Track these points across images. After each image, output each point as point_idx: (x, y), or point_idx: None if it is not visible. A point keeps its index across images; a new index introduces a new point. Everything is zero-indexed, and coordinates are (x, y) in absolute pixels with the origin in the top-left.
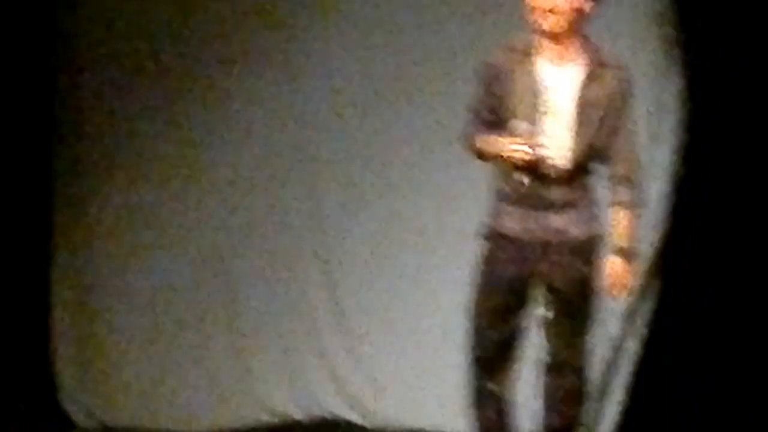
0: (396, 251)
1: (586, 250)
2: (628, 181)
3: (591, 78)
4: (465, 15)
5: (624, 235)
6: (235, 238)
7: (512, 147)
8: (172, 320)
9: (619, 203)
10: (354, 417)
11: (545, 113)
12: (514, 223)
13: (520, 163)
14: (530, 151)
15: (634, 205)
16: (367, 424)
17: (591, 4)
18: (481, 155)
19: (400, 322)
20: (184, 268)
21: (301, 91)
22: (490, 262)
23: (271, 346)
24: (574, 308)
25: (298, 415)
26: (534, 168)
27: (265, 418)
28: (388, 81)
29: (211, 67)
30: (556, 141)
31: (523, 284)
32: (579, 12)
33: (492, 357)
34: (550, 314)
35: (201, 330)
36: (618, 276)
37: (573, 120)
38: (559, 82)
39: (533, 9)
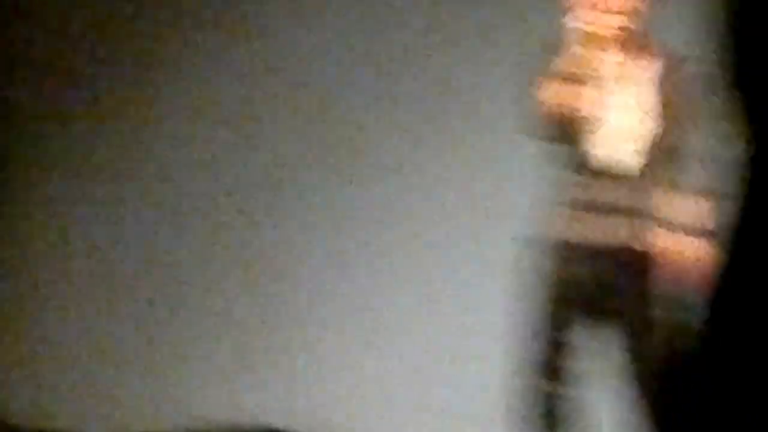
0: (328, 262)
1: (651, 258)
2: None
3: (671, 71)
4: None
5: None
6: (164, 248)
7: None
8: (95, 321)
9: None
10: (283, 425)
11: (619, 108)
12: (585, 229)
13: (588, 27)
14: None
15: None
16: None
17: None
18: (548, 109)
19: (335, 335)
20: (115, 268)
21: (241, 89)
22: (557, 278)
23: (206, 351)
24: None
25: (230, 423)
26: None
27: (199, 425)
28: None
29: (147, 66)
30: (629, 139)
31: (597, 302)
32: (636, 12)
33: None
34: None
35: (129, 332)
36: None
37: (648, 117)
38: (631, 75)
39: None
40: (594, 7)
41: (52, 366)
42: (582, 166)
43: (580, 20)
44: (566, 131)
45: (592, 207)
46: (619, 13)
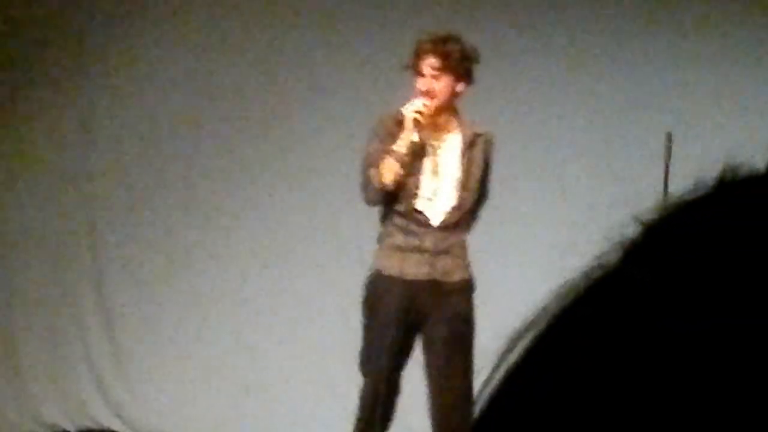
0: (170, 268)
1: (467, 291)
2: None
3: (470, 144)
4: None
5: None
6: (8, 252)
7: (411, 105)
8: None
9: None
10: (119, 426)
11: (434, 173)
12: (404, 265)
13: (420, 116)
14: (428, 102)
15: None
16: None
17: (463, 85)
18: (386, 183)
19: (168, 336)
20: None
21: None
22: (377, 305)
23: (42, 357)
24: (459, 350)
25: (67, 425)
26: (424, 123)
27: (35, 428)
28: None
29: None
30: (442, 198)
31: (412, 326)
32: (454, 93)
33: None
34: (434, 358)
35: None
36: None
37: (457, 180)
38: (443, 147)
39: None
40: (420, 95)
41: None
42: (403, 218)
43: (411, 108)
44: (394, 196)
45: (410, 248)
46: (436, 98)
